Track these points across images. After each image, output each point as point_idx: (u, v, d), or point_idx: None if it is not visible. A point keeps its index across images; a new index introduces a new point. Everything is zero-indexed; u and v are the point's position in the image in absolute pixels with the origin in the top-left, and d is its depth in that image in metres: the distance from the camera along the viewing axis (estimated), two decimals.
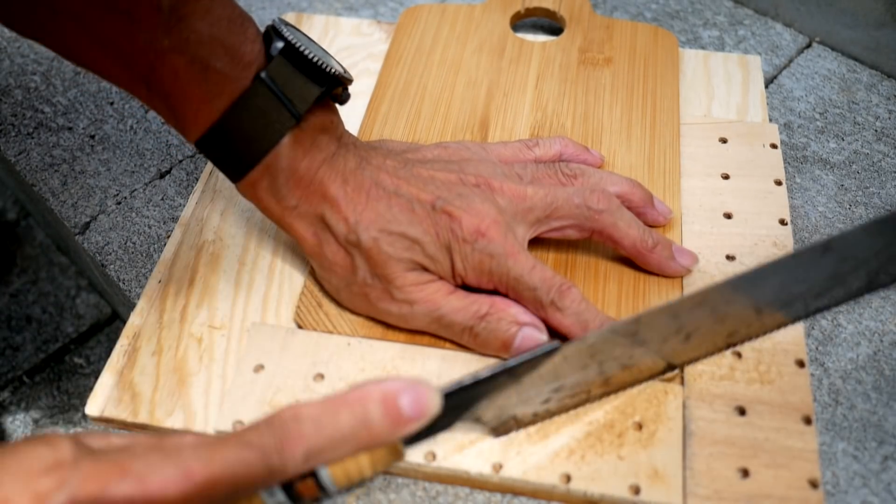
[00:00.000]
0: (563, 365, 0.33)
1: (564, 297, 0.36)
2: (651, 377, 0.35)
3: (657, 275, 0.40)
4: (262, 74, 0.34)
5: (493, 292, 0.37)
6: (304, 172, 0.36)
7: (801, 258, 0.29)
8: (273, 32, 0.35)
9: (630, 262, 0.40)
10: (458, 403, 0.31)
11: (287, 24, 0.35)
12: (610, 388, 0.35)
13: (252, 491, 0.27)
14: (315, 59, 0.34)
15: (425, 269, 0.37)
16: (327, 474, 0.28)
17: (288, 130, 0.35)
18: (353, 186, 0.36)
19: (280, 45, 0.34)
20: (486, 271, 0.36)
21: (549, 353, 0.32)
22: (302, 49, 0.34)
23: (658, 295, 0.39)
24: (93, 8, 0.31)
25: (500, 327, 0.36)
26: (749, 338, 0.33)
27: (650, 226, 0.41)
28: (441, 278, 0.37)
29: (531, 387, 0.33)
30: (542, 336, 0.36)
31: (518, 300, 0.37)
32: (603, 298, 0.39)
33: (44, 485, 0.23)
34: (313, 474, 0.28)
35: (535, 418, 0.35)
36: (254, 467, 0.26)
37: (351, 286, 0.37)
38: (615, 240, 0.38)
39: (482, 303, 0.36)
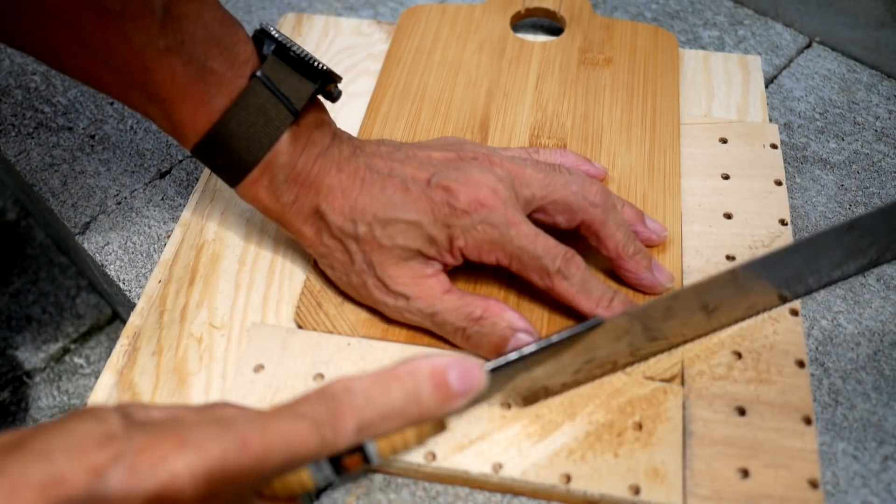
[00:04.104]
0: (600, 339, 0.33)
1: (570, 266, 0.36)
2: (673, 347, 0.37)
3: (633, 287, 0.39)
4: (259, 73, 0.34)
5: (487, 293, 0.37)
6: (301, 167, 0.36)
7: (826, 236, 0.31)
8: (263, 35, 0.35)
9: None
10: (501, 378, 0.32)
11: (275, 28, 0.36)
12: (635, 359, 0.36)
13: (303, 463, 0.27)
14: (306, 57, 0.35)
15: (423, 257, 0.36)
16: (374, 447, 0.28)
17: (286, 128, 0.35)
18: (347, 174, 0.36)
19: (272, 45, 0.35)
20: (487, 241, 0.36)
21: (591, 328, 0.33)
22: (293, 48, 0.35)
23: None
24: (84, 11, 0.31)
25: (495, 331, 0.36)
26: (765, 310, 0.35)
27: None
28: (439, 261, 0.37)
29: (567, 359, 0.33)
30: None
31: (521, 270, 0.36)
32: None
33: (98, 458, 0.23)
34: (360, 448, 0.28)
35: (564, 387, 0.35)
36: (307, 439, 0.26)
37: (350, 276, 0.37)
38: (600, 237, 0.38)
39: (476, 306, 0.36)
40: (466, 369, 0.29)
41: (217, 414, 0.26)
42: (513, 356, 0.31)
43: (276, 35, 0.35)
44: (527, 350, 0.32)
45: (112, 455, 0.23)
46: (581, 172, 0.39)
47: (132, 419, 0.25)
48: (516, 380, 0.33)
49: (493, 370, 0.31)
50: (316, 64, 0.35)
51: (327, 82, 0.36)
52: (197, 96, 0.34)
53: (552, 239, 0.36)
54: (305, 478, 0.28)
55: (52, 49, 0.33)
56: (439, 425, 0.30)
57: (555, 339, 0.32)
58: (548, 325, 0.38)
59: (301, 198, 0.37)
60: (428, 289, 0.36)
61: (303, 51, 0.35)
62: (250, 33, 0.36)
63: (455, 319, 0.36)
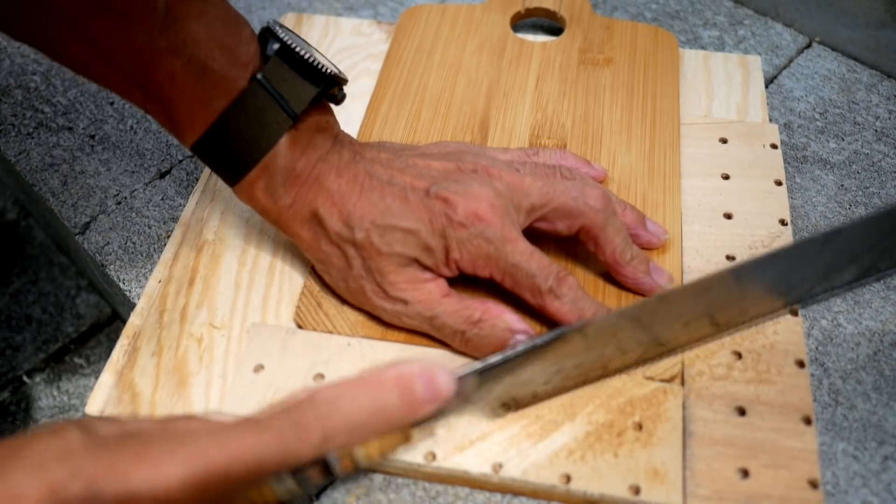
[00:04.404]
0: (567, 349, 0.33)
1: (562, 285, 0.35)
2: (646, 362, 0.36)
3: (631, 290, 0.39)
4: (259, 75, 0.34)
5: (483, 288, 0.37)
6: (300, 171, 0.36)
7: (800, 249, 0.31)
8: (269, 34, 0.35)
9: None
10: (468, 387, 0.32)
11: (282, 25, 0.36)
12: (607, 372, 0.36)
13: (266, 475, 0.27)
14: (310, 60, 0.35)
15: (420, 265, 0.36)
16: (337, 459, 0.28)
17: (285, 131, 0.35)
18: (346, 179, 0.36)
19: (276, 46, 0.35)
20: (482, 256, 0.36)
21: (556, 339, 0.33)
22: (297, 49, 0.34)
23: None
24: (88, 8, 0.31)
25: (494, 333, 0.35)
26: (742, 323, 0.35)
27: (643, 248, 0.40)
28: (436, 273, 0.37)
29: (536, 369, 0.33)
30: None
31: (514, 287, 0.36)
32: (603, 299, 0.39)
33: (57, 474, 0.23)
34: (322, 459, 0.28)
35: (534, 399, 0.35)
36: (270, 452, 0.26)
37: (348, 281, 0.37)
38: (598, 243, 0.38)
39: (475, 308, 0.36)
40: (432, 377, 0.29)
41: (179, 428, 0.26)
42: (478, 365, 0.32)
43: (283, 35, 0.35)
44: (492, 360, 0.32)
45: (70, 472, 0.23)
46: (582, 174, 0.39)
47: (92, 434, 0.25)
48: (483, 389, 0.33)
49: (460, 378, 0.31)
50: (320, 66, 0.35)
51: (331, 85, 0.36)
52: (196, 97, 0.34)
53: (546, 258, 0.36)
54: (267, 491, 0.28)
55: (56, 44, 0.33)
56: (404, 437, 0.30)
57: (521, 349, 0.32)
58: (549, 327, 0.38)
59: (298, 201, 0.36)
60: (426, 293, 0.36)
61: (308, 52, 0.35)
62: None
63: (454, 323, 0.36)
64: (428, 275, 0.37)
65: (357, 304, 0.38)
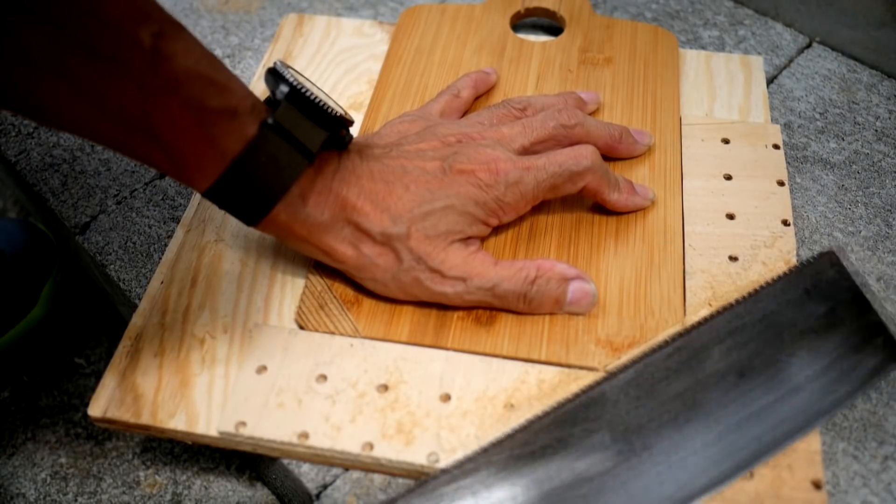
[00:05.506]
0: None
1: (591, 154, 0.40)
2: None
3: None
4: (270, 120, 0.33)
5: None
6: (320, 189, 0.36)
7: None
8: (274, 76, 0.34)
9: (633, 261, 0.40)
10: None
11: (286, 65, 0.35)
12: None
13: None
14: (319, 102, 0.34)
15: (464, 240, 0.38)
16: None
17: (302, 171, 0.34)
18: (367, 179, 0.37)
19: (285, 89, 0.34)
20: (520, 197, 0.39)
21: None
22: (306, 93, 0.34)
23: (661, 291, 0.39)
24: (76, 59, 0.29)
25: (551, 287, 0.37)
26: None
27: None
28: (479, 239, 0.39)
29: None
30: (588, 286, 0.38)
31: (561, 189, 0.40)
32: (605, 297, 0.39)
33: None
34: None
35: None
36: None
37: (399, 277, 0.37)
38: (591, 136, 0.42)
39: (529, 268, 0.38)
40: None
41: None
42: None
43: (290, 77, 0.34)
44: None
45: None
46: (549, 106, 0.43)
47: None
48: None
49: None
50: (328, 109, 0.34)
51: (339, 127, 0.36)
52: (200, 138, 0.32)
53: (562, 149, 0.40)
54: None
55: (44, 104, 0.30)
56: None
57: None
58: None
59: (329, 215, 0.36)
60: (479, 265, 0.37)
61: (315, 96, 0.34)
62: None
63: (514, 287, 0.37)
64: (473, 247, 0.38)
65: (411, 297, 0.38)
